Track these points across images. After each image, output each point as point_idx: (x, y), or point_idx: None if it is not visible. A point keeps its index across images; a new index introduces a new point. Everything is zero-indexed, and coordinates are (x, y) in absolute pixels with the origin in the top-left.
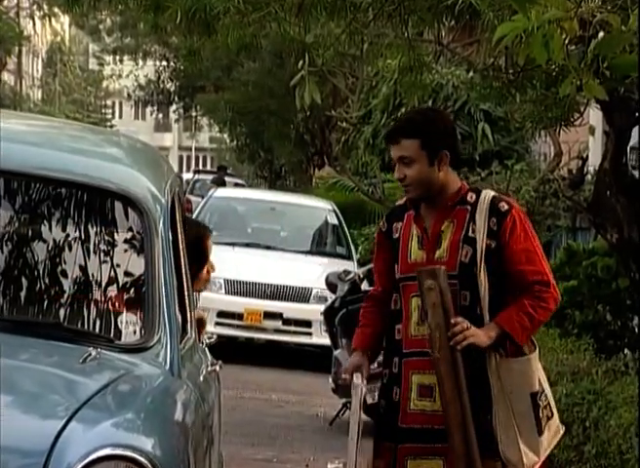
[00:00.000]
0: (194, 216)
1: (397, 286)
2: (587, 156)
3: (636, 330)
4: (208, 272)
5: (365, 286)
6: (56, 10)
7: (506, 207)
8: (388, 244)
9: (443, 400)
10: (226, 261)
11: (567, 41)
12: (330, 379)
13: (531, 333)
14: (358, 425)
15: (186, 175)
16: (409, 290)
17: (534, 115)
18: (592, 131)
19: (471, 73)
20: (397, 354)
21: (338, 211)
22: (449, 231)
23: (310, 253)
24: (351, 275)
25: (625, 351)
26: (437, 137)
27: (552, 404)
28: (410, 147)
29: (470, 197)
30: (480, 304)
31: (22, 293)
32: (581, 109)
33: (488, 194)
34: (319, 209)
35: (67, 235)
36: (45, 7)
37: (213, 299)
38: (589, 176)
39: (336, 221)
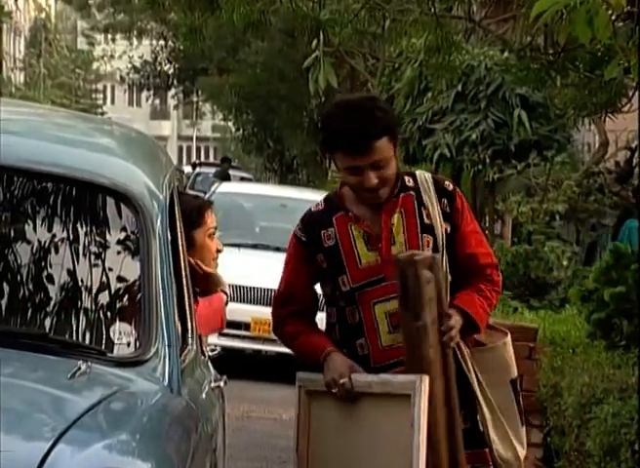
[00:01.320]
0: None
1: (351, 297)
2: (637, 146)
3: None
4: (218, 250)
5: None
6: None
7: (451, 186)
8: (311, 255)
9: (432, 403)
10: (231, 265)
11: (613, 17)
12: None
13: (488, 319)
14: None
15: (186, 169)
16: (368, 297)
17: (576, 100)
18: None
19: (506, 54)
20: (365, 371)
21: None
22: (400, 223)
23: None
24: None
25: None
26: (395, 124)
27: None
28: (383, 147)
29: (408, 181)
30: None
31: (4, 301)
32: (630, 94)
33: (425, 174)
34: None
35: (54, 235)
36: None
37: None
38: (639, 169)
39: None
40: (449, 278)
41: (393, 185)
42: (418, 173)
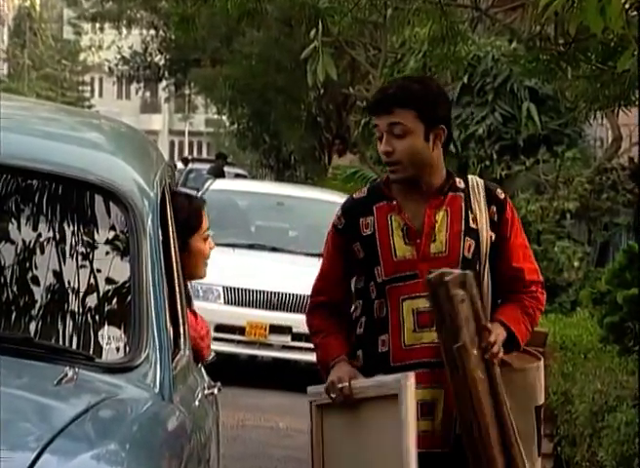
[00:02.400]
0: None
1: (381, 290)
2: None
3: None
4: (209, 247)
5: None
6: None
7: (502, 195)
8: (348, 244)
9: (483, 422)
10: (226, 266)
11: (627, 6)
12: None
13: (528, 338)
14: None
15: (178, 165)
16: (397, 292)
17: (588, 93)
18: None
19: (514, 44)
20: (382, 369)
21: None
22: (444, 222)
23: None
24: None
25: None
26: (436, 109)
27: None
28: (405, 116)
29: (459, 182)
30: (483, 305)
31: None
32: None
33: (477, 179)
34: (335, 204)
35: (39, 235)
36: None
37: (210, 311)
38: None
39: None
40: (489, 289)
41: (443, 183)
42: (470, 177)
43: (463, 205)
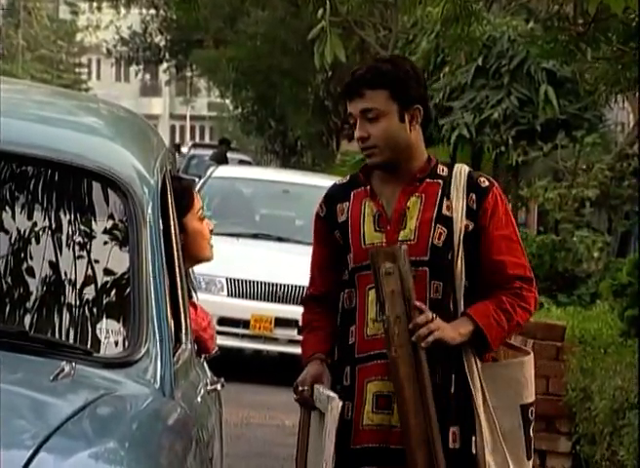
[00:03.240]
0: None
1: (351, 278)
2: None
3: None
4: (210, 231)
5: None
6: None
7: (487, 183)
8: (330, 231)
9: (402, 410)
10: (229, 256)
11: None
12: None
13: (505, 337)
14: (333, 453)
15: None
16: (364, 281)
17: (608, 75)
18: None
19: (531, 24)
20: (349, 362)
21: None
22: (416, 208)
23: None
24: None
25: None
26: (409, 87)
27: None
28: (376, 98)
29: (441, 170)
30: (454, 297)
31: None
32: None
33: (463, 167)
34: None
35: (34, 224)
36: None
37: (213, 303)
38: None
39: None
40: (463, 282)
41: (422, 168)
42: (457, 165)
43: (440, 192)
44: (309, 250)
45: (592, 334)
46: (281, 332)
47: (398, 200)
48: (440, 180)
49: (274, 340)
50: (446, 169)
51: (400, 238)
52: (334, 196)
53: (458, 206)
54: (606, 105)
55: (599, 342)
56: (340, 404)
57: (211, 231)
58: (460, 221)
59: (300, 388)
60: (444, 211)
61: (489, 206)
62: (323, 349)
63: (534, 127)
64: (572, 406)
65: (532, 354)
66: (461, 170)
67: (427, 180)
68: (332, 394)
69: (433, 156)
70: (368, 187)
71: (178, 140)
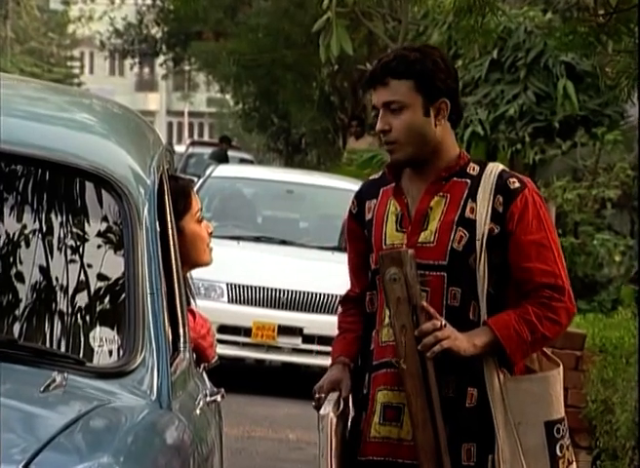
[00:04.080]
0: None
1: (373, 280)
2: None
3: None
4: (209, 234)
5: None
6: None
7: (518, 184)
8: (361, 229)
9: (411, 424)
10: (229, 260)
11: None
12: None
13: (529, 351)
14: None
15: (178, 148)
16: None
17: (630, 69)
18: None
19: (549, 15)
20: (368, 369)
21: None
22: (439, 209)
23: (338, 249)
24: None
25: None
26: (436, 79)
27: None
28: (400, 89)
29: (472, 169)
30: (476, 306)
31: None
32: None
33: (496, 167)
34: (350, 192)
35: (24, 226)
36: None
37: (212, 310)
38: None
39: None
40: (486, 289)
41: (450, 166)
42: (490, 164)
43: (466, 192)
44: (314, 253)
45: (614, 343)
46: (284, 341)
47: (421, 199)
48: (468, 180)
49: (277, 349)
50: (477, 167)
51: (420, 240)
52: (364, 193)
53: (482, 208)
54: (628, 101)
55: (621, 351)
56: (335, 420)
57: (210, 234)
58: (484, 225)
59: (317, 395)
60: (467, 213)
61: (516, 209)
62: (349, 352)
63: (551, 123)
64: (592, 418)
65: (561, 367)
66: (493, 169)
67: (454, 179)
68: (326, 410)
69: (465, 153)
70: (390, 186)
71: (175, 138)
